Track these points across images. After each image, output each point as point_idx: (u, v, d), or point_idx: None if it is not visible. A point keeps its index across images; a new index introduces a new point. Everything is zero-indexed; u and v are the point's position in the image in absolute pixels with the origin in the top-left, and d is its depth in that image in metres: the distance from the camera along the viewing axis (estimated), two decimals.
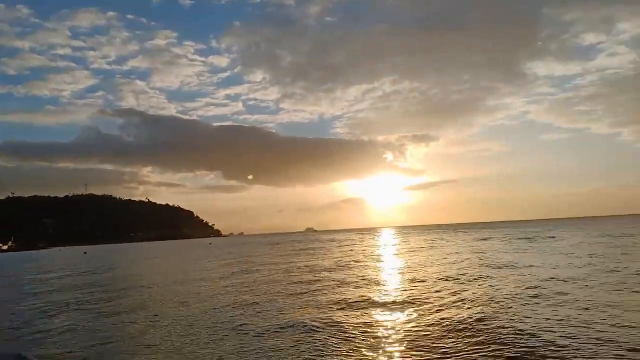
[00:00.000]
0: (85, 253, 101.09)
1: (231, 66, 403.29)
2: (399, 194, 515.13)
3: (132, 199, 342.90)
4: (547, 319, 10.47)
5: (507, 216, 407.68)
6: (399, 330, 10.38)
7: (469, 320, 10.71)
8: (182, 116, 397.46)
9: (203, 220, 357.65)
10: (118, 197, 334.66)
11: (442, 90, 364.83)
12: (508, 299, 13.25)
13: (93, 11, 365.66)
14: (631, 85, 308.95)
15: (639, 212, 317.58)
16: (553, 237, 50.17)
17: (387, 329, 10.58)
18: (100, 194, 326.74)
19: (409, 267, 24.93)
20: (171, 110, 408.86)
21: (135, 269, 38.95)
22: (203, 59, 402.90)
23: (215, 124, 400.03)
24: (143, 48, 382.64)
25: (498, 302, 12.78)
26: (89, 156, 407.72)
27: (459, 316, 11.25)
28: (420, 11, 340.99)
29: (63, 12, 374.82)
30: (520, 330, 9.60)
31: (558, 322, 10.13)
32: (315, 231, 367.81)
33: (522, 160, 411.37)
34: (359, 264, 28.75)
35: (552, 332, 9.37)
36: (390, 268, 25.52)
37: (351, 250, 46.19)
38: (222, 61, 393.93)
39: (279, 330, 11.08)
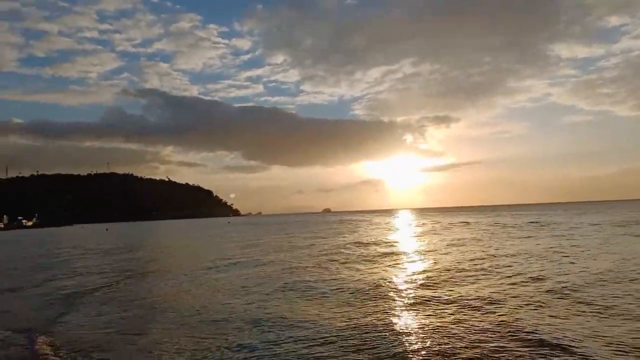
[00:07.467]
0: (107, 230, 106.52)
1: (253, 48, 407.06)
2: (417, 175, 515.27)
3: (153, 177, 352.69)
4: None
5: (527, 199, 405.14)
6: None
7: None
8: (204, 97, 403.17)
9: (222, 200, 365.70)
10: (139, 176, 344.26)
11: (462, 71, 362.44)
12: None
13: None
14: None
15: None
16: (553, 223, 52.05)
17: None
18: (122, 173, 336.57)
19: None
20: (193, 91, 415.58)
21: (165, 244, 42.82)
22: (226, 41, 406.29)
23: (236, 105, 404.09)
24: (167, 31, 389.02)
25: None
26: (112, 135, 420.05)
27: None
28: None
29: None
30: None
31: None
32: (332, 212, 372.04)
33: (544, 142, 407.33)
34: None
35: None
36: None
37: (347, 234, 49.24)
38: (244, 44, 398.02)
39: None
